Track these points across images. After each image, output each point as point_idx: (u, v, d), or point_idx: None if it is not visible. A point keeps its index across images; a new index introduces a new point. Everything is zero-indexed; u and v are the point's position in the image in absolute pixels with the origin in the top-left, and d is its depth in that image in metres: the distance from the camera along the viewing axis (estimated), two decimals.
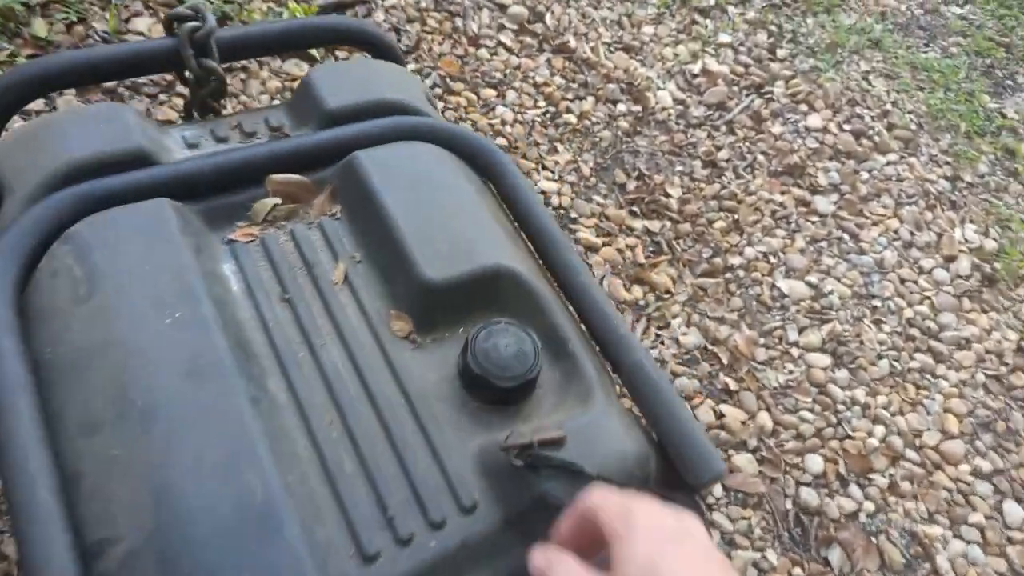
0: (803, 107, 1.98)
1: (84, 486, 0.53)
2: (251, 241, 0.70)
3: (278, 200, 0.72)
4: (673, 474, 0.64)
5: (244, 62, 1.54)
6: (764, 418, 1.41)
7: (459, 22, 1.82)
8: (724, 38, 2.08)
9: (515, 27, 1.89)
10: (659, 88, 1.90)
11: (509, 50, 1.82)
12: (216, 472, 0.52)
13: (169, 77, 1.45)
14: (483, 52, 1.81)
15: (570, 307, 0.71)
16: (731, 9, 2.16)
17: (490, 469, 0.61)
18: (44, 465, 0.53)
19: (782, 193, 1.78)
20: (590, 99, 1.82)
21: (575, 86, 1.84)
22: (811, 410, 1.44)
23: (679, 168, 1.77)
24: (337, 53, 1.68)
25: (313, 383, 0.63)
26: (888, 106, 2.07)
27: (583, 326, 0.71)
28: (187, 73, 0.78)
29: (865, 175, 1.89)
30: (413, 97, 0.82)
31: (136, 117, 0.71)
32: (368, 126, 0.76)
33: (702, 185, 1.75)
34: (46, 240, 0.63)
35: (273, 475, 0.53)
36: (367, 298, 0.68)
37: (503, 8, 1.89)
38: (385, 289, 0.69)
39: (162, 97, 1.43)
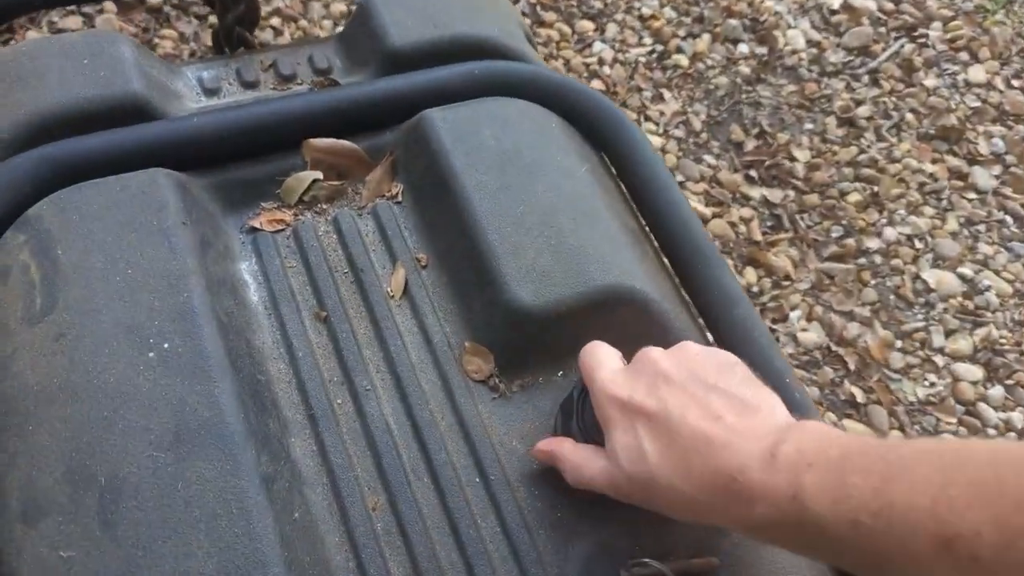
0: (964, 56, 1.64)
1: None
2: (280, 230, 0.51)
3: (319, 174, 0.52)
4: None
5: None
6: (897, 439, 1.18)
7: None
8: None
9: None
10: (790, 26, 1.59)
11: None
12: None
13: None
14: None
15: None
16: None
17: None
18: None
19: (933, 162, 1.48)
20: (705, 37, 1.54)
21: (688, 21, 1.56)
22: (955, 433, 1.20)
23: (809, 126, 1.48)
24: None
25: (354, 445, 0.45)
26: None
27: None
28: None
29: None
30: (507, 33, 0.60)
31: (134, 51, 0.52)
32: (446, 74, 0.55)
33: (835, 148, 1.47)
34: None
35: None
36: (434, 322, 0.49)
37: None
38: (459, 310, 0.50)
39: (213, 19, 1.25)
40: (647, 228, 0.55)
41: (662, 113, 1.45)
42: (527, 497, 0.44)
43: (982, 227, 1.43)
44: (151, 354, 0.41)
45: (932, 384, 1.25)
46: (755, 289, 1.29)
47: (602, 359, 0.42)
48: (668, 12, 1.56)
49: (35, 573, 0.36)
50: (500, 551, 0.43)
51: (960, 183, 1.48)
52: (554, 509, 0.44)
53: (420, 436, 0.45)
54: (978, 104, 1.59)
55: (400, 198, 0.53)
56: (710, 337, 0.51)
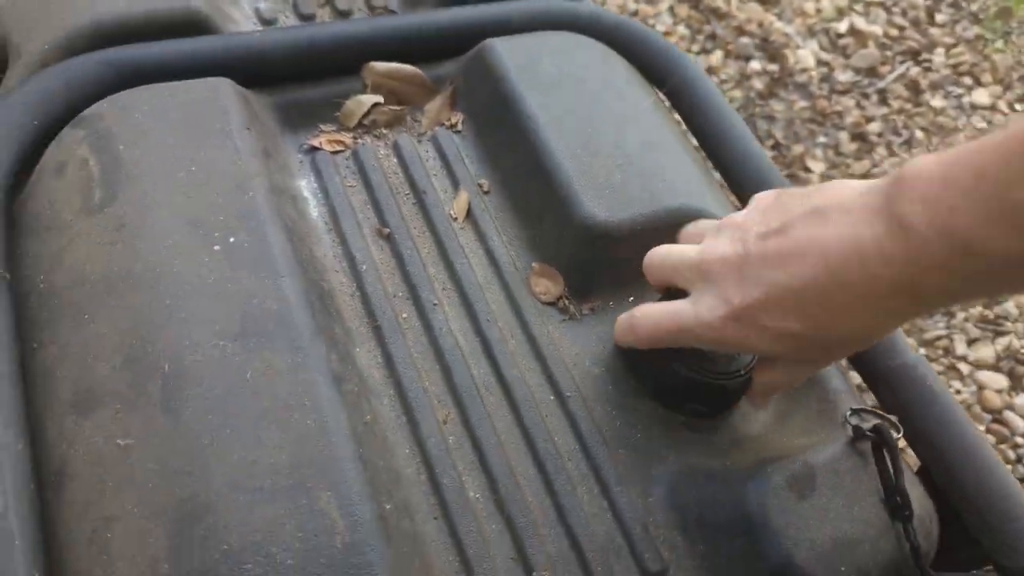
0: (967, 80, 1.68)
1: (70, 491, 0.33)
2: (340, 151, 0.49)
3: (379, 98, 0.51)
4: (970, 547, 0.41)
5: None
6: None
7: None
8: None
9: None
10: (799, 47, 1.63)
11: None
12: (277, 491, 0.32)
13: None
14: None
15: None
16: None
17: (689, 515, 0.39)
18: (10, 448, 0.34)
19: None
20: (719, 53, 1.57)
21: (701, 38, 1.59)
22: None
23: (822, 139, 1.50)
24: None
25: (422, 359, 0.42)
26: None
27: None
28: None
29: None
30: None
31: None
32: (509, 8, 0.54)
33: (849, 161, 1.48)
34: (56, 121, 0.43)
35: (364, 502, 0.33)
36: (499, 244, 0.47)
37: None
38: (525, 235, 0.48)
39: None
40: (708, 157, 0.54)
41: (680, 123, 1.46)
42: (604, 417, 0.42)
43: None
44: (216, 247, 0.39)
45: (958, 392, 1.23)
46: None
47: (668, 247, 0.41)
48: (682, 29, 1.59)
49: (89, 463, 0.33)
50: (580, 468, 0.40)
51: None
52: (633, 430, 0.42)
53: (490, 352, 0.43)
54: (984, 125, 1.61)
55: (460, 127, 0.52)
56: None
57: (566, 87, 0.50)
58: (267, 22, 0.54)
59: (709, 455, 0.41)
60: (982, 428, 1.19)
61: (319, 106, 0.50)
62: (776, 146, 1.47)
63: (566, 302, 0.46)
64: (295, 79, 0.50)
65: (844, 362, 0.47)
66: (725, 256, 0.35)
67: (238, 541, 0.30)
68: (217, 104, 0.44)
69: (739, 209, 0.52)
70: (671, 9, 1.61)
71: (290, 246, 0.40)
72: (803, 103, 1.55)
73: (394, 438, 0.39)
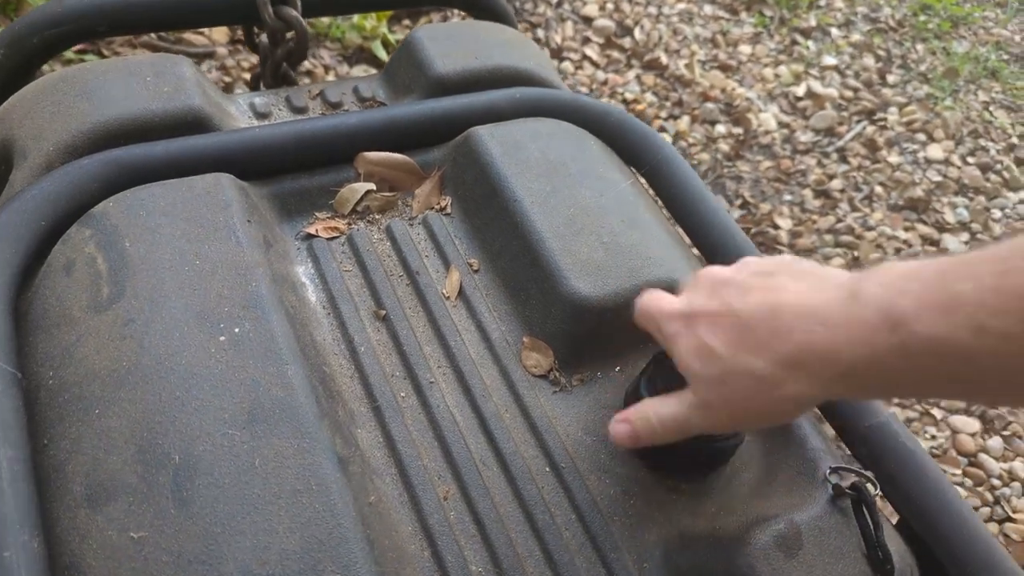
0: (921, 136, 1.77)
1: None
2: (335, 237, 0.52)
3: (372, 186, 0.54)
4: None
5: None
6: None
7: (541, 33, 1.67)
8: (829, 60, 1.89)
9: (601, 41, 1.73)
10: (761, 110, 1.71)
11: (595, 64, 1.66)
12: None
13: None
14: (567, 65, 1.65)
15: None
16: (834, 31, 1.98)
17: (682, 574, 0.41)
18: (26, 546, 0.34)
19: (906, 230, 1.56)
20: (686, 119, 1.64)
21: (668, 104, 1.66)
22: (961, 484, 1.20)
23: (788, 197, 1.56)
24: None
25: (421, 437, 0.44)
26: (1014, 139, 1.84)
27: None
28: (257, 32, 0.61)
29: (997, 213, 1.66)
30: (541, 66, 0.64)
31: (194, 72, 0.54)
32: (492, 96, 0.58)
33: (815, 217, 1.54)
34: (62, 220, 0.45)
35: None
36: (490, 320, 0.49)
37: (588, 21, 1.74)
38: (515, 309, 0.50)
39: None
40: (688, 238, 0.57)
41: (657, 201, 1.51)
42: (599, 486, 0.44)
43: None
44: (222, 338, 0.40)
45: (934, 437, 1.26)
46: None
47: (658, 294, 0.41)
48: (649, 96, 1.67)
49: (102, 557, 0.34)
50: (577, 537, 0.41)
51: (933, 248, 1.55)
52: (628, 497, 0.43)
53: (486, 427, 0.44)
54: (939, 178, 1.70)
55: (449, 210, 0.54)
56: None
57: (549, 170, 0.54)
58: (262, 115, 0.57)
59: (699, 520, 0.43)
60: (959, 471, 1.22)
61: (315, 195, 0.53)
62: (745, 205, 1.53)
63: (556, 374, 0.48)
64: (291, 170, 0.52)
65: (823, 420, 0.49)
66: (711, 312, 0.36)
67: None
68: (218, 198, 0.46)
69: None
70: (638, 78, 1.69)
71: (293, 333, 0.42)
72: (768, 163, 1.62)
73: (398, 516, 0.40)
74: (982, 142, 1.81)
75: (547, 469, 0.44)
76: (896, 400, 1.28)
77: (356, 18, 1.43)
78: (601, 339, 0.48)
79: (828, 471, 0.44)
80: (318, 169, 0.53)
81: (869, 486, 0.42)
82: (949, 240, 1.57)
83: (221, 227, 0.45)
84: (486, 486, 0.42)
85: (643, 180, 0.60)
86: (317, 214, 0.52)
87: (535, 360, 0.48)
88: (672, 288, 0.49)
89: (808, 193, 1.58)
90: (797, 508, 0.42)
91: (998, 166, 1.77)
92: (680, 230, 0.57)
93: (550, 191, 0.52)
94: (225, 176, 0.48)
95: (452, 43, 0.61)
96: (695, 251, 0.57)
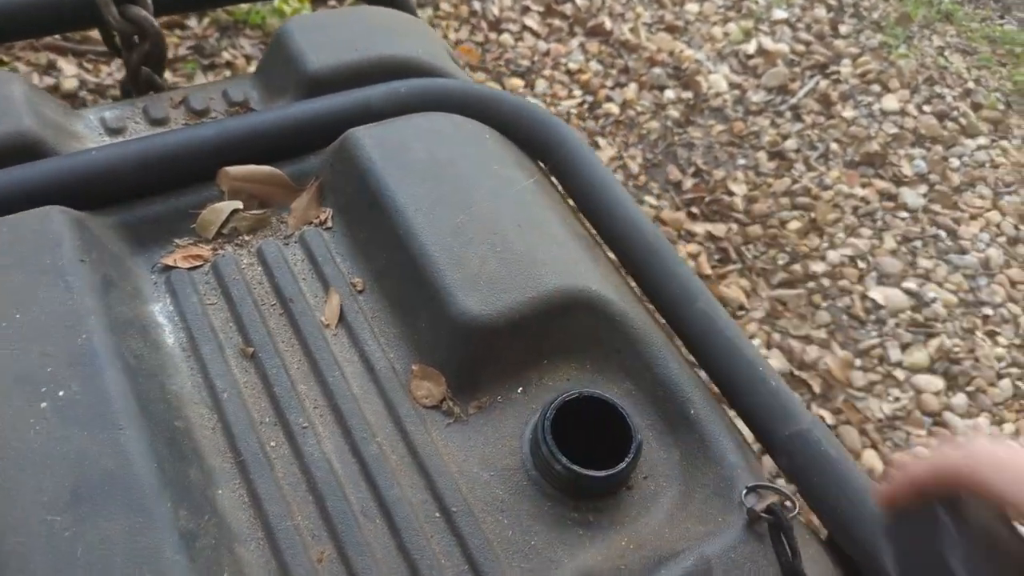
0: (876, 87, 1.73)
1: None
2: (197, 267, 0.46)
3: (238, 204, 0.48)
4: None
5: None
6: (871, 458, 1.16)
7: (477, 5, 1.60)
8: (779, 14, 1.83)
9: (541, 9, 1.66)
10: (711, 71, 1.65)
11: (536, 34, 1.59)
12: None
13: None
14: (506, 37, 1.58)
15: (684, 348, 0.47)
16: None
17: None
18: None
19: (863, 186, 1.53)
20: (633, 86, 1.59)
21: (614, 72, 1.61)
22: (928, 445, 1.18)
23: (741, 161, 1.52)
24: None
25: (292, 491, 0.39)
26: (970, 84, 1.81)
27: (707, 375, 0.47)
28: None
29: (956, 162, 1.62)
30: (431, 53, 0.58)
31: (26, 89, 0.48)
32: (369, 92, 0.53)
33: (770, 180, 1.50)
34: None
35: None
36: (375, 348, 0.44)
37: None
38: (403, 333, 0.46)
39: None
40: (596, 233, 0.52)
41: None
42: (496, 527, 0.39)
43: (918, 243, 1.46)
44: (44, 404, 0.35)
45: (897, 399, 1.23)
46: None
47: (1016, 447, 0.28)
48: (594, 65, 1.60)
49: None
50: None
51: (891, 203, 1.52)
52: (528, 537, 0.39)
53: (368, 473, 0.40)
54: (896, 130, 1.66)
55: (330, 223, 0.49)
56: (673, 335, 0.48)
57: (437, 173, 0.48)
58: (114, 131, 0.51)
59: (607, 556, 0.39)
60: (923, 432, 1.20)
61: (173, 219, 0.47)
62: (698, 173, 1.48)
63: (450, 403, 0.43)
64: (142, 194, 0.47)
65: (746, 432, 0.45)
66: None
67: None
68: (46, 238, 0.41)
69: (624, 276, 0.50)
70: (582, 46, 1.63)
71: (131, 389, 0.37)
72: (720, 127, 1.57)
73: None
74: (938, 89, 1.78)
75: (437, 515, 0.39)
76: (856, 363, 1.26)
77: (277, 2, 1.35)
78: (498, 360, 0.44)
79: (744, 492, 0.40)
80: (175, 190, 0.48)
81: (788, 505, 0.38)
82: (907, 194, 1.54)
83: (48, 271, 0.39)
84: (367, 542, 0.38)
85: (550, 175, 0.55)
86: (177, 241, 0.47)
87: (426, 390, 0.43)
88: (575, 299, 0.45)
89: (762, 156, 1.54)
90: (710, 538, 0.38)
91: (954, 113, 1.73)
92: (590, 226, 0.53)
93: (437, 197, 0.47)
94: (56, 209, 0.42)
95: (328, 33, 0.55)
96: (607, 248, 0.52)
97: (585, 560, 0.39)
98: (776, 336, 1.29)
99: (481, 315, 0.43)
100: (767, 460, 0.46)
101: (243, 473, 0.39)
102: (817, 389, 1.23)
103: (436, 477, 0.40)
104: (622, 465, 0.40)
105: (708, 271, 1.34)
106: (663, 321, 0.49)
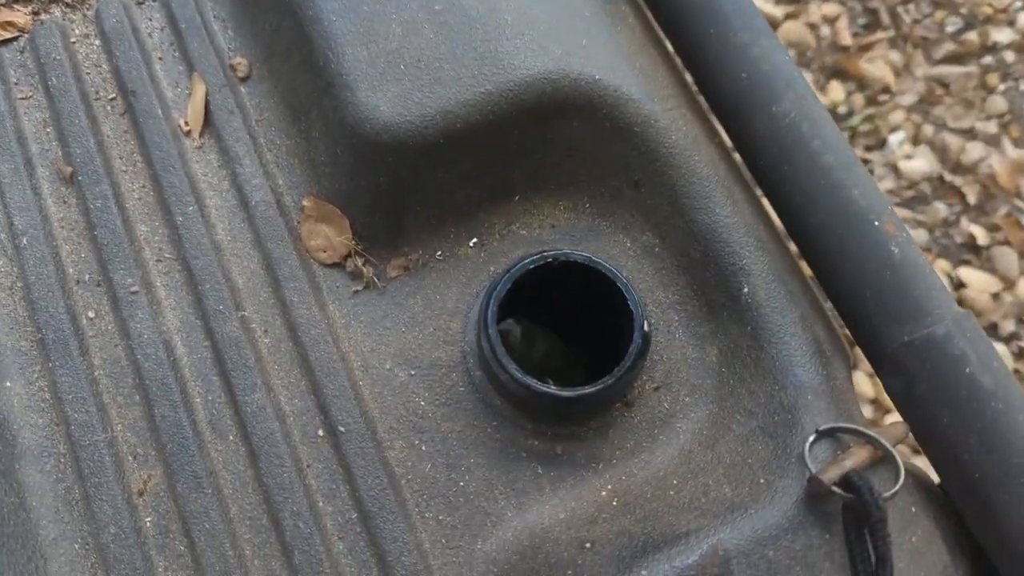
0: None
1: None
2: (7, 41, 0.31)
3: None
4: None
5: None
6: None
7: None
8: None
9: None
10: None
11: None
12: None
13: None
14: None
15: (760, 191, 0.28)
16: None
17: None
18: None
19: None
20: None
21: None
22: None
23: None
24: None
25: (112, 388, 0.27)
26: None
27: (794, 243, 0.29)
28: None
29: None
30: None
31: None
32: None
33: None
34: None
35: None
36: (253, 171, 0.29)
37: None
38: (299, 147, 0.30)
39: None
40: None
41: None
42: (407, 456, 0.26)
43: None
44: None
45: None
46: (842, 109, 1.01)
47: None
48: None
49: None
50: (358, 553, 0.25)
51: None
52: (454, 474, 0.26)
53: (223, 364, 0.27)
54: None
55: None
56: (739, 160, 0.29)
57: None
58: None
59: (573, 514, 0.25)
60: None
61: None
62: None
63: (359, 262, 0.28)
64: None
65: (843, 330, 0.28)
66: None
67: None
68: None
69: (668, 61, 0.31)
70: None
71: None
72: None
73: (50, 533, 0.25)
74: None
75: (320, 433, 0.26)
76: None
77: None
78: (436, 194, 0.28)
79: (812, 438, 0.24)
80: None
81: (884, 477, 0.22)
82: None
83: None
84: (211, 469, 0.26)
85: None
86: None
87: (324, 238, 0.28)
88: (564, 92, 0.27)
89: None
90: (740, 512, 0.23)
91: None
92: None
93: None
94: None
95: None
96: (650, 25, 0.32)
97: (539, 517, 0.25)
98: (928, 129, 1.02)
99: (398, 120, 0.26)
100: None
101: (42, 358, 0.27)
102: (972, 199, 0.98)
103: (325, 376, 0.27)
104: (608, 379, 0.25)
105: (848, 41, 1.04)
106: (725, 137, 0.30)
